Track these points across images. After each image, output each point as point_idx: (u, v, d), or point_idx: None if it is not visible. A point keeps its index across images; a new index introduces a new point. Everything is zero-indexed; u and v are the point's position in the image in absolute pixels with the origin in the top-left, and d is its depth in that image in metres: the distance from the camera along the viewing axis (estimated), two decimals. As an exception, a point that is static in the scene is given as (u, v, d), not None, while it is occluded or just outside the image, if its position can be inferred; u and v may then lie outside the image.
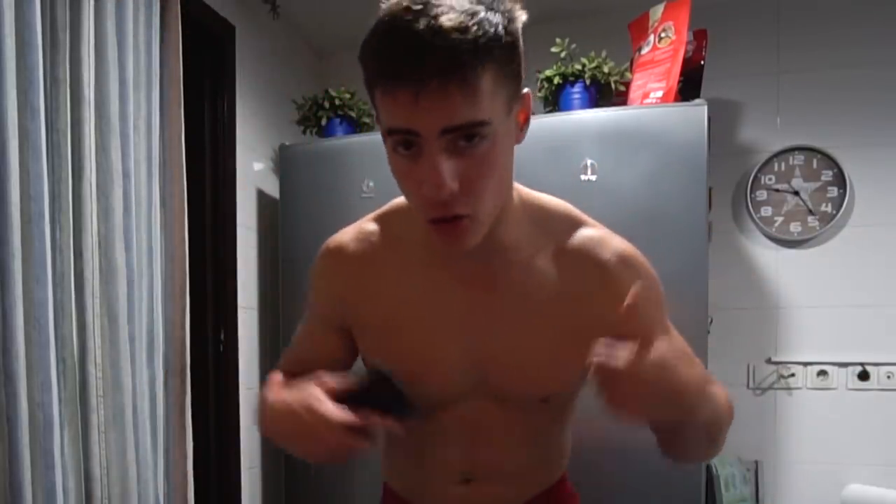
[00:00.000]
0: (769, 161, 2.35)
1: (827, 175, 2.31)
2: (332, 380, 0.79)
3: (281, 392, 0.84)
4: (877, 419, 2.27)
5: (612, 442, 1.78)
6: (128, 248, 1.58)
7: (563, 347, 0.83)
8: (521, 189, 0.85)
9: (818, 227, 2.31)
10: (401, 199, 0.89)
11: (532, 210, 0.85)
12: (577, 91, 2.01)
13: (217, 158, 2.12)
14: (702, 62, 2.02)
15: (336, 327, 0.94)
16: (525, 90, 0.74)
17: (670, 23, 1.94)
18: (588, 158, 1.85)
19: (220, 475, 2.12)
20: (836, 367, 2.31)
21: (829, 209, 2.30)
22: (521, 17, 0.69)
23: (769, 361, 2.36)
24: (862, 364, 2.28)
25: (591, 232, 0.86)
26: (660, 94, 1.89)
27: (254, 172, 2.33)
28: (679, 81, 1.90)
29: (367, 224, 0.92)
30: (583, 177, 1.85)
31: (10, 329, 1.28)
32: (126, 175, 1.58)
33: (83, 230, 1.47)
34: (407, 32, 0.63)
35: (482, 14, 0.64)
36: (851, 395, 2.30)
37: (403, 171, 0.71)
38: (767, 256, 2.38)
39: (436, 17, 0.62)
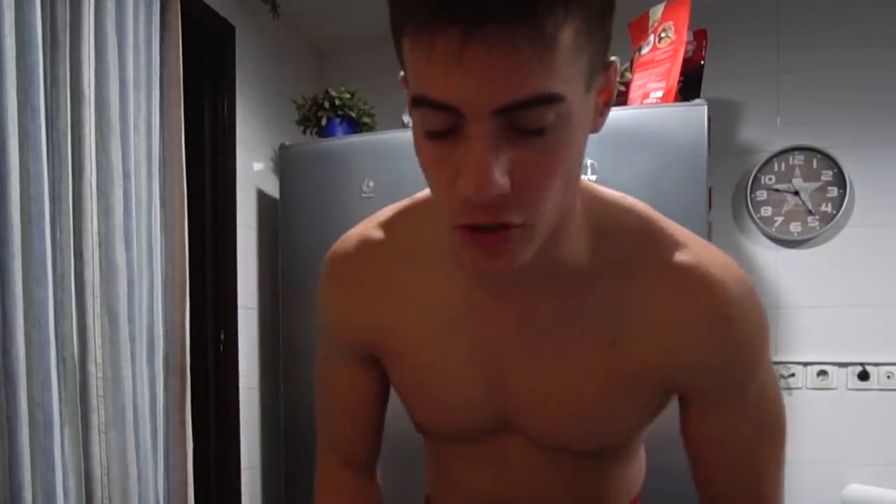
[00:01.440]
0: (769, 161, 2.35)
1: (827, 175, 2.31)
2: None
3: None
4: (877, 419, 2.27)
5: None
6: (128, 248, 1.58)
7: (619, 396, 0.66)
8: (583, 184, 0.64)
9: (818, 227, 2.31)
10: (419, 197, 0.72)
11: (597, 215, 0.64)
12: (577, 91, 2.01)
13: (217, 158, 2.12)
14: (702, 62, 2.02)
15: (365, 355, 0.77)
16: (612, 58, 0.53)
17: (670, 23, 1.94)
18: (588, 158, 1.85)
19: (220, 475, 2.12)
20: (836, 367, 2.31)
21: (829, 209, 2.30)
22: None
23: (769, 361, 2.36)
24: (862, 364, 2.28)
25: (681, 259, 0.62)
26: (660, 94, 1.89)
27: (254, 172, 2.33)
28: (679, 81, 1.90)
29: (374, 231, 0.73)
30: (583, 177, 1.85)
31: (10, 329, 1.28)
32: (126, 175, 1.58)
33: (83, 230, 1.47)
34: None
35: None
36: (851, 395, 2.30)
37: (433, 155, 0.50)
38: (767, 256, 2.38)
39: None
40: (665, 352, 0.63)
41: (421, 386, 0.74)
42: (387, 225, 0.73)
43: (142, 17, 1.65)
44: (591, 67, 0.49)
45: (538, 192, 0.49)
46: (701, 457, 0.70)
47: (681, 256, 0.62)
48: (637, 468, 0.86)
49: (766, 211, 2.36)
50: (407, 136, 1.86)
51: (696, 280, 0.61)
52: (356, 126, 2.28)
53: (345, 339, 0.77)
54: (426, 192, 0.71)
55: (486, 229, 0.50)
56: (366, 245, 0.73)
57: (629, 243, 0.63)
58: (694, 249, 0.63)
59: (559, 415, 0.68)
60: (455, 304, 0.67)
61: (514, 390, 0.69)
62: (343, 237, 0.76)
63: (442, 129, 0.48)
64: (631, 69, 2.04)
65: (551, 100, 0.45)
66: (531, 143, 0.47)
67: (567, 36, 0.44)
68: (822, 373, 2.32)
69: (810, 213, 2.32)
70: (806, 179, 2.33)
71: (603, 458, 0.76)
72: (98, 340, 1.51)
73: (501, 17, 0.41)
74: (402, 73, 0.54)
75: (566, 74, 0.45)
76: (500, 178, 0.46)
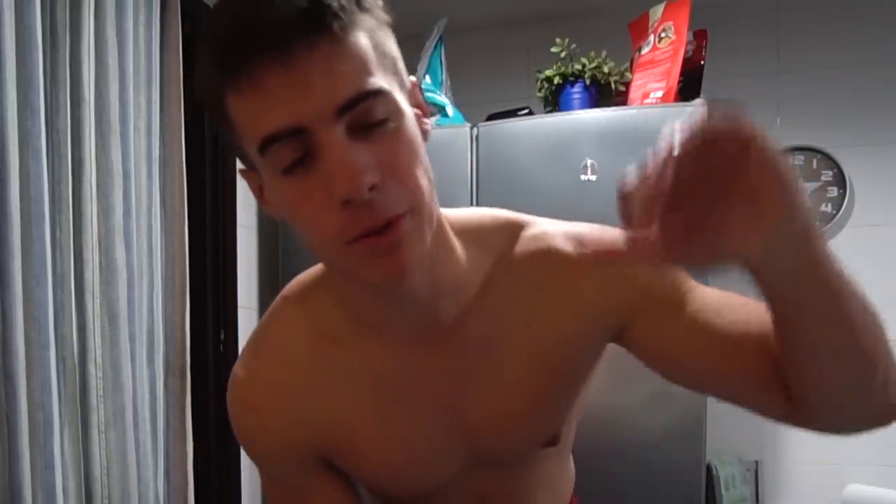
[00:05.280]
0: (769, 161, 2.35)
1: (827, 175, 2.30)
2: None
3: None
4: (877, 419, 2.27)
5: (612, 441, 1.78)
6: (128, 248, 1.58)
7: (559, 382, 0.69)
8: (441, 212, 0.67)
9: (818, 227, 2.31)
10: (286, 296, 0.72)
11: (464, 232, 0.67)
12: (577, 91, 2.01)
13: (217, 158, 2.12)
14: (702, 62, 2.02)
15: (316, 463, 0.73)
16: (411, 77, 0.59)
17: (670, 23, 1.94)
18: (588, 158, 1.85)
19: (220, 475, 2.12)
20: (836, 367, 2.30)
21: (829, 209, 2.30)
22: None
23: (769, 361, 2.36)
24: (862, 364, 2.28)
25: (533, 232, 0.68)
26: (660, 94, 1.89)
27: (254, 172, 2.33)
28: (679, 81, 1.90)
29: (265, 359, 0.71)
30: (583, 177, 1.85)
31: (10, 329, 1.28)
32: (126, 175, 1.58)
33: (83, 230, 1.47)
34: None
35: None
36: (851, 395, 2.30)
37: (297, 191, 0.52)
38: (767, 256, 2.38)
39: None
40: (573, 312, 0.66)
41: (378, 463, 0.72)
42: (272, 332, 0.73)
43: (142, 17, 1.65)
44: (397, 75, 0.56)
45: (408, 179, 0.53)
46: (689, 357, 0.64)
47: (530, 233, 0.68)
48: (570, 467, 0.91)
49: (766, 211, 2.36)
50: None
51: (545, 243, 0.67)
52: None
53: (296, 460, 0.73)
54: (290, 289, 0.72)
55: (377, 233, 0.52)
56: (268, 375, 0.70)
57: (498, 242, 0.67)
58: (537, 225, 0.69)
59: (518, 420, 0.69)
60: (379, 375, 0.68)
61: (473, 419, 0.69)
62: (238, 370, 0.72)
63: (298, 157, 0.51)
64: (631, 69, 2.04)
65: (378, 93, 0.51)
66: (381, 136, 0.52)
67: (364, 39, 0.51)
68: (822, 373, 2.32)
69: (810, 213, 2.32)
70: (806, 179, 2.33)
71: (558, 450, 0.78)
72: (98, 340, 1.51)
73: (304, 34, 0.48)
74: (239, 167, 0.60)
75: (381, 73, 0.52)
76: (369, 168, 0.50)
